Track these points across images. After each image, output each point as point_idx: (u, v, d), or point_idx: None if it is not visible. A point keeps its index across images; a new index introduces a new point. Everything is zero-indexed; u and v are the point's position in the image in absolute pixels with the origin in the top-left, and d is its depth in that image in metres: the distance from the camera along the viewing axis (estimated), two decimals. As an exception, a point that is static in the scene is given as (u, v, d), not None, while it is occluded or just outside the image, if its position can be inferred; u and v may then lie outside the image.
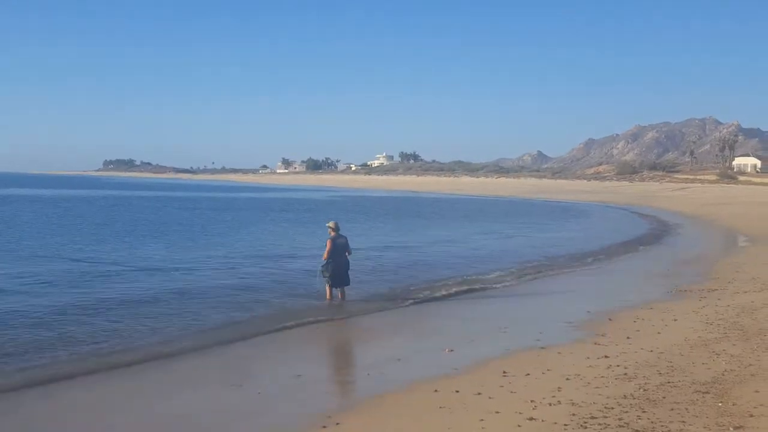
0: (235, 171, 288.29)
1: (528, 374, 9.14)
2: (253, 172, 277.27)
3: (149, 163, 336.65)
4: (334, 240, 15.52)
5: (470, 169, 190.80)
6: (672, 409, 7.50)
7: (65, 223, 37.76)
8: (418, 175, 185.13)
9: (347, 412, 7.86)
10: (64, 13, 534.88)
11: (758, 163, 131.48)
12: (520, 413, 7.49)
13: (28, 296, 15.31)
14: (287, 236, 31.73)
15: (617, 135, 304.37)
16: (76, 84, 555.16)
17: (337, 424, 7.41)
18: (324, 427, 7.33)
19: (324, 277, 15.55)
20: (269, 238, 30.71)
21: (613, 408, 7.56)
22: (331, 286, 15.56)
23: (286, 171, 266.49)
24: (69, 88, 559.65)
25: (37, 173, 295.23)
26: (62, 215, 44.08)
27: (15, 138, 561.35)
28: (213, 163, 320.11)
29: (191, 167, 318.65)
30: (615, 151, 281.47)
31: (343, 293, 15.61)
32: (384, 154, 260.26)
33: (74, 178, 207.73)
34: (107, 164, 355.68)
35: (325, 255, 15.44)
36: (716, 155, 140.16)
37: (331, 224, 15.85)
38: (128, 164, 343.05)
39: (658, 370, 9.14)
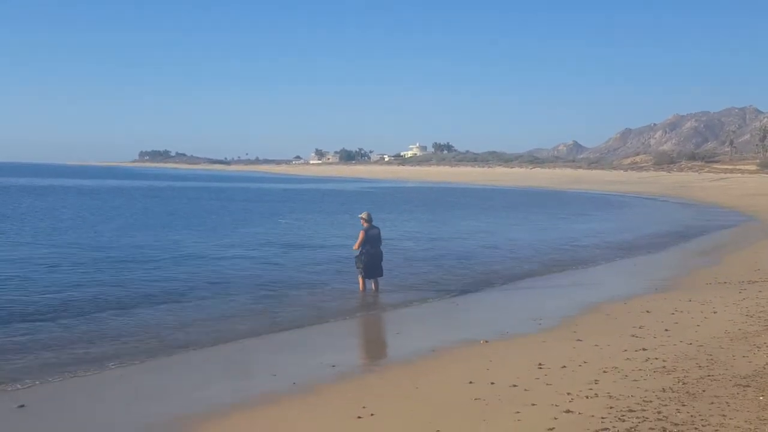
0: (268, 162, 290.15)
1: (564, 366, 9.04)
2: (287, 163, 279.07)
3: (183, 154, 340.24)
4: (366, 231, 15.52)
5: (505, 159, 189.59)
6: (712, 403, 7.36)
7: (105, 213, 38.31)
8: (451, 166, 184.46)
9: (381, 402, 7.83)
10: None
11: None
12: (556, 406, 7.41)
13: (74, 284, 15.60)
14: (321, 227, 31.83)
15: (655, 124, 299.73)
16: (112, 75, 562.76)
17: (372, 414, 7.39)
18: (359, 417, 7.32)
19: (357, 268, 15.61)
20: (303, 228, 30.81)
21: (651, 401, 7.44)
22: (363, 278, 15.58)
23: (320, 162, 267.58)
24: (105, 80, 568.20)
25: (73, 164, 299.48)
26: (101, 206, 44.73)
27: (51, 129, 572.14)
28: (246, 153, 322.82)
29: (225, 158, 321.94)
30: (652, 141, 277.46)
31: (376, 284, 15.62)
32: (417, 145, 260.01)
33: (111, 169, 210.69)
34: (143, 155, 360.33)
35: (357, 245, 15.48)
36: (756, 145, 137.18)
37: (363, 215, 15.84)
38: (163, 155, 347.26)
39: (697, 363, 8.99)
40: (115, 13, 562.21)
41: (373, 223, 15.77)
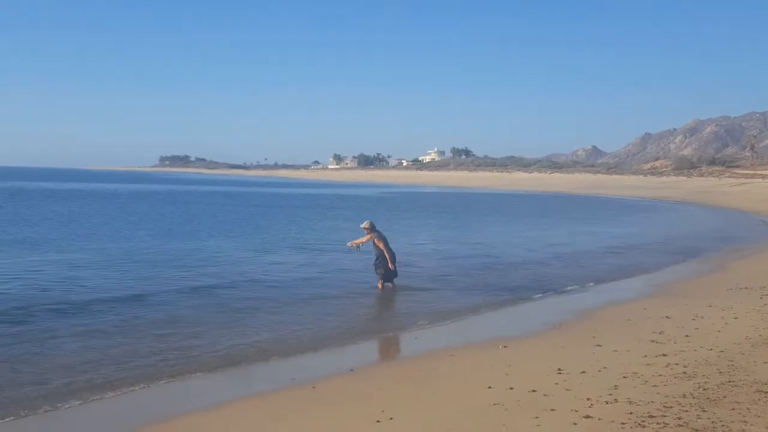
0: (287, 167, 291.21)
1: (584, 372, 9.02)
2: (305, 168, 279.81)
3: (203, 159, 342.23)
4: (380, 235, 16.26)
5: (523, 164, 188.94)
6: (733, 409, 7.32)
7: (135, 217, 38.30)
8: (470, 171, 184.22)
9: (400, 407, 7.85)
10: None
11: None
12: (576, 411, 7.40)
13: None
14: (348, 232, 31.54)
15: (675, 129, 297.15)
16: (131, 79, 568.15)
17: (391, 418, 7.42)
18: (378, 421, 7.35)
19: (377, 273, 16.30)
20: (333, 233, 30.64)
21: (672, 407, 7.41)
22: (383, 282, 16.26)
23: (338, 167, 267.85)
24: (124, 84, 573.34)
25: (94, 169, 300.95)
26: (132, 210, 44.79)
27: (71, 134, 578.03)
28: (265, 159, 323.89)
29: (244, 163, 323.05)
30: (672, 146, 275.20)
31: (393, 284, 16.36)
32: (435, 150, 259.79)
33: (133, 174, 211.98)
34: (163, 160, 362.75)
35: (381, 245, 16.11)
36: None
37: (366, 225, 16.63)
38: (183, 160, 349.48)
39: (718, 369, 8.93)
40: (136, 17, 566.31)
41: (377, 229, 16.60)
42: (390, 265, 16.09)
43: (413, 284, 16.99)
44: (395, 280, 16.43)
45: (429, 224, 37.72)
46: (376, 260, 16.28)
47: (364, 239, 16.42)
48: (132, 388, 8.99)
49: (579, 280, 18.47)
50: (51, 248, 22.99)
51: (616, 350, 10.24)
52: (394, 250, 16.43)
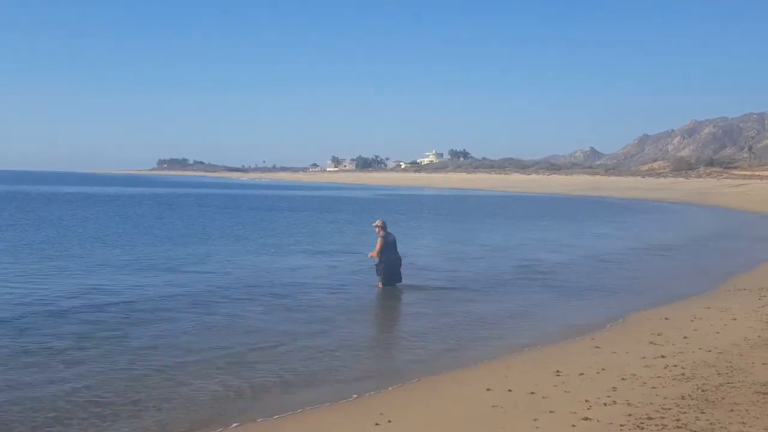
0: (285, 169, 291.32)
1: (582, 374, 9.01)
2: (303, 171, 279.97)
3: (201, 162, 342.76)
4: (384, 238, 15.89)
5: (521, 166, 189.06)
6: (731, 411, 7.32)
7: (146, 222, 37.10)
8: (468, 173, 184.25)
9: (399, 409, 7.83)
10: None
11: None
12: (574, 413, 7.39)
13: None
14: (358, 235, 31.06)
15: (672, 130, 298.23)
16: (132, 82, 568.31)
17: (389, 421, 7.40)
18: (377, 424, 7.34)
19: (377, 275, 16.06)
20: (345, 236, 30.49)
21: (670, 409, 7.41)
22: (384, 285, 15.96)
23: (336, 169, 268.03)
24: (125, 87, 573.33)
25: (94, 172, 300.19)
26: (135, 214, 44.32)
27: (69, 137, 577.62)
28: (264, 161, 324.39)
29: (242, 166, 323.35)
30: (670, 147, 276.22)
31: (393, 286, 16.11)
32: (434, 152, 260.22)
33: (132, 177, 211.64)
34: (161, 163, 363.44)
35: (375, 252, 15.84)
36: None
37: (378, 223, 16.36)
38: (182, 163, 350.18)
39: (717, 371, 8.94)
40: (135, 17, 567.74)
41: (388, 230, 16.24)
42: (377, 275, 15.94)
43: (472, 286, 16.88)
44: (400, 285, 16.09)
45: (437, 227, 37.52)
46: (378, 263, 15.94)
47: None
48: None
49: (661, 282, 18.14)
50: (64, 254, 21.95)
51: (614, 352, 10.23)
52: (400, 254, 16.27)
